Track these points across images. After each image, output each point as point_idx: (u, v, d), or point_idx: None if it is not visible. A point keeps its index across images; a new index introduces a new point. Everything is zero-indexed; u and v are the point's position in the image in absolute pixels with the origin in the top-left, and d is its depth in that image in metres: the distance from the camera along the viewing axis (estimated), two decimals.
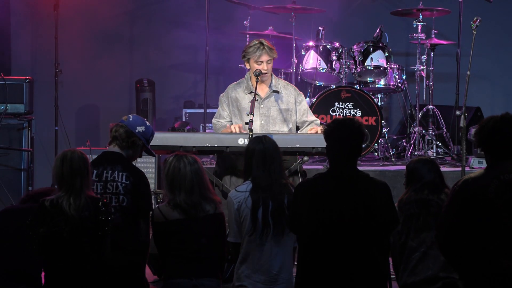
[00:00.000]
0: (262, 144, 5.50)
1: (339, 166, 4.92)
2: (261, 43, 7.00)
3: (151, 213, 5.49)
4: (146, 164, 8.79)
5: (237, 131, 6.81)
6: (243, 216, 5.45)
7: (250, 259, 5.44)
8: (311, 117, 7.20)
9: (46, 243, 5.04)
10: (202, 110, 9.43)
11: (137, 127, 5.68)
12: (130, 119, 5.72)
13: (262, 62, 6.96)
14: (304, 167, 7.09)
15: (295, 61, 9.18)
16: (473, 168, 8.56)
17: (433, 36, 9.28)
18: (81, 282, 5.07)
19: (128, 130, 5.65)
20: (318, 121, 7.21)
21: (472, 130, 8.78)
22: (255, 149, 5.49)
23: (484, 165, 8.50)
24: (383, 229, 4.86)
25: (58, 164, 5.12)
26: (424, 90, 9.36)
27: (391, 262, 5.46)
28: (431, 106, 9.32)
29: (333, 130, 4.95)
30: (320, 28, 9.25)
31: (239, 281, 5.47)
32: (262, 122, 7.06)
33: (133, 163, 5.78)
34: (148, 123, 5.79)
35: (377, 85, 9.25)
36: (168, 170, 5.43)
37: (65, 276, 5.06)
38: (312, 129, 7.01)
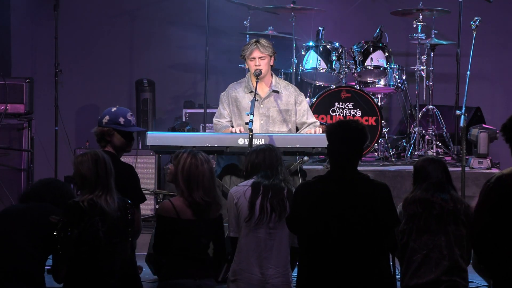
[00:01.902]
0: (272, 153, 5.64)
1: (339, 168, 4.91)
2: (257, 41, 7.01)
3: (160, 205, 5.47)
4: (146, 164, 8.79)
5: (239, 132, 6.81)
6: (240, 208, 5.47)
7: (246, 252, 5.46)
8: (311, 118, 7.19)
9: (80, 244, 5.06)
10: (202, 110, 9.43)
11: (103, 120, 5.79)
12: (99, 117, 5.80)
13: (254, 58, 6.97)
14: (304, 167, 7.09)
15: (295, 61, 9.18)
16: (473, 168, 8.56)
17: (433, 36, 9.27)
18: (105, 284, 5.11)
19: (99, 128, 5.77)
20: (318, 123, 7.21)
21: (472, 130, 8.79)
22: (260, 162, 5.61)
23: (484, 165, 8.55)
24: (383, 230, 4.86)
25: (91, 166, 5.14)
26: (424, 90, 9.36)
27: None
28: (431, 106, 9.32)
29: (335, 130, 4.93)
30: (320, 28, 9.25)
31: (234, 275, 5.48)
32: (262, 122, 7.07)
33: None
34: (114, 109, 5.84)
35: (377, 85, 9.25)
36: (184, 166, 5.34)
37: (90, 277, 5.08)
38: (309, 131, 7.01)
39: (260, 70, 6.93)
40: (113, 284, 5.14)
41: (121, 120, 5.79)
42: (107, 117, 5.79)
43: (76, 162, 5.22)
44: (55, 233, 5.07)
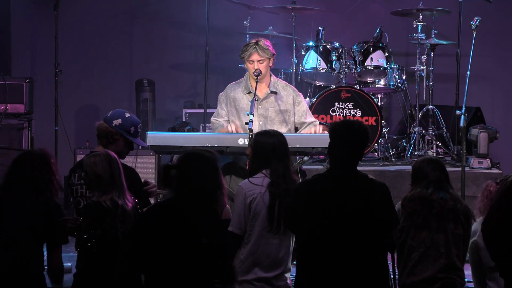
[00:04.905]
0: (282, 137, 5.55)
1: (338, 166, 4.91)
2: (256, 43, 6.99)
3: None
4: (146, 164, 8.79)
5: (234, 129, 6.80)
6: (255, 211, 5.42)
7: (258, 255, 5.44)
8: (310, 118, 7.18)
9: (100, 245, 5.03)
10: (202, 110, 9.43)
11: (114, 121, 5.74)
12: (108, 115, 5.77)
13: (253, 61, 6.96)
14: (304, 167, 7.09)
15: (295, 61, 9.18)
16: (473, 168, 8.56)
17: (433, 36, 9.28)
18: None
19: (106, 126, 5.71)
20: (317, 122, 7.19)
21: (472, 130, 8.78)
22: (275, 142, 5.51)
23: (484, 165, 8.55)
24: (382, 229, 4.85)
25: (105, 166, 5.11)
26: (424, 90, 9.37)
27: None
28: (431, 106, 9.33)
29: (338, 129, 4.93)
30: (320, 28, 9.25)
31: (243, 276, 5.45)
32: (260, 122, 7.06)
33: (133, 163, 5.78)
34: (127, 115, 5.79)
35: (377, 85, 9.25)
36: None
37: (105, 279, 5.03)
38: (309, 130, 7.00)
39: (260, 71, 6.92)
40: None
41: (132, 129, 5.76)
42: (119, 120, 5.73)
43: (89, 163, 5.15)
44: (75, 234, 5.04)
